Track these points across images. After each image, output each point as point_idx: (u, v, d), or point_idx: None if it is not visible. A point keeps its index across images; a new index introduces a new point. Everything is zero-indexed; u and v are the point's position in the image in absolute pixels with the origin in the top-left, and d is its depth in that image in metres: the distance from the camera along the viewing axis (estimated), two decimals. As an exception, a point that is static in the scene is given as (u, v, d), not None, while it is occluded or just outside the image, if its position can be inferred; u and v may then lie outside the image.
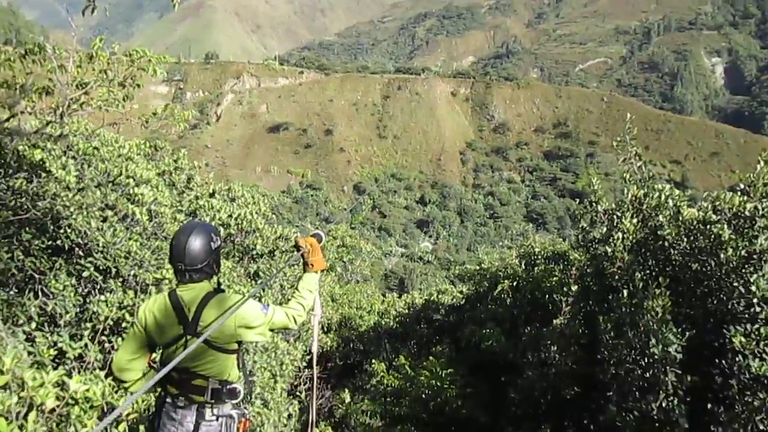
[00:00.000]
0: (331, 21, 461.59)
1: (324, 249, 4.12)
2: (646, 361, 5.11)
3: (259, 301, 3.54)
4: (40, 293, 5.70)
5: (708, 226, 5.57)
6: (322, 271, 4.00)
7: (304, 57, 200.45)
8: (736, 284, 5.13)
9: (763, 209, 5.36)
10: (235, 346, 3.51)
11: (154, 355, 3.62)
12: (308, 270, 3.89)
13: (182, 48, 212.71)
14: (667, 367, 4.98)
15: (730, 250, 5.25)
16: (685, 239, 5.84)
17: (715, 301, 5.41)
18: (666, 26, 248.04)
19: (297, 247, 3.93)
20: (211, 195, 9.57)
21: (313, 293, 3.84)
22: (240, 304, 3.20)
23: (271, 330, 3.60)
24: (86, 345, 5.64)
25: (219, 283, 3.61)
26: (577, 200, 7.70)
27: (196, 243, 3.39)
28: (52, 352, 5.38)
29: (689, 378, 4.95)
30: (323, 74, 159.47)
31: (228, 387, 3.49)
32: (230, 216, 8.31)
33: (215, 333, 3.29)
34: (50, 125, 5.18)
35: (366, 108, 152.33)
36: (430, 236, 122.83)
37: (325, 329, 13.02)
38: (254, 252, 8.53)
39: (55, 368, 5.34)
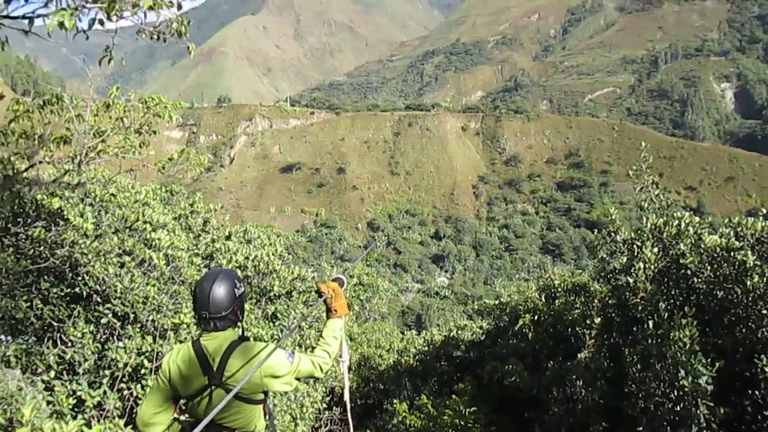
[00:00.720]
0: (340, 62, 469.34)
1: (345, 291, 4.08)
2: (675, 393, 4.97)
3: (283, 348, 3.48)
4: (58, 341, 5.69)
5: (731, 253, 5.47)
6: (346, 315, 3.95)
7: (314, 98, 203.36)
8: (764, 312, 5.01)
9: (787, 234, 5.27)
10: (262, 396, 3.44)
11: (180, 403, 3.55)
12: (332, 316, 3.84)
13: (195, 93, 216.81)
14: (699, 400, 4.83)
15: (756, 277, 5.13)
16: (709, 267, 5.73)
17: (743, 330, 5.28)
18: (673, 54, 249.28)
19: (319, 293, 3.88)
20: (227, 237, 9.60)
21: (338, 339, 3.78)
22: (269, 356, 3.13)
23: (297, 378, 3.53)
24: (105, 392, 5.60)
25: (243, 331, 3.55)
26: (594, 230, 7.61)
27: (220, 290, 3.34)
28: (71, 401, 5.35)
29: (722, 410, 4.79)
30: (334, 114, 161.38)
31: None
32: (247, 258, 8.30)
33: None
34: (68, 174, 5.23)
35: (377, 145, 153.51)
36: (446, 271, 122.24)
37: (345, 369, 12.85)
38: (271, 293, 8.49)
39: (74, 417, 5.30)
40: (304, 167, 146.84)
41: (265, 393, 3.46)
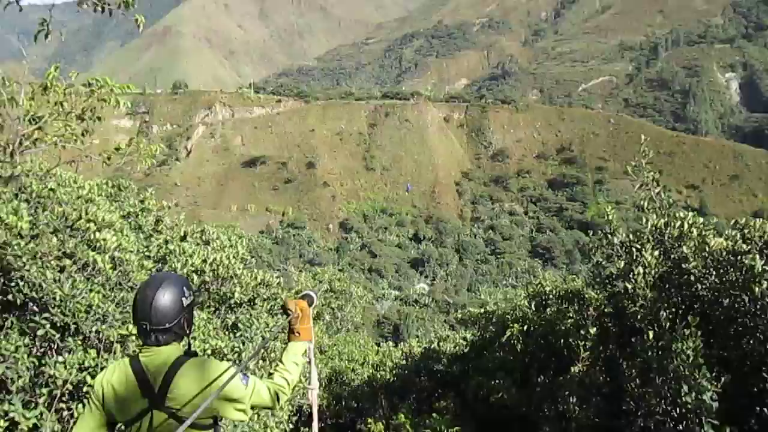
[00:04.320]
0: (310, 45, 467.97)
1: (314, 308, 3.97)
2: (678, 411, 5.01)
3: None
4: (-12, 356, 5.55)
5: (738, 258, 5.53)
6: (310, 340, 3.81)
7: (281, 84, 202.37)
8: (774, 321, 5.07)
9: (798, 236, 5.34)
10: (211, 422, 3.31)
11: None
12: (294, 339, 3.73)
13: (147, 78, 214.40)
14: (703, 418, 4.88)
15: (765, 284, 5.19)
16: (714, 272, 5.79)
17: (751, 341, 5.33)
18: (674, 40, 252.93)
19: (285, 311, 3.77)
20: (183, 238, 9.48)
21: (299, 366, 3.67)
22: (228, 382, 3.03)
23: (252, 408, 3.40)
24: (42, 413, 5.48)
25: (190, 346, 3.44)
26: (589, 232, 7.67)
27: (164, 298, 3.22)
28: (3, 423, 5.22)
29: (728, 429, 4.84)
30: (303, 102, 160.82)
31: None
32: (204, 261, 8.21)
33: (188, 407, 3.14)
34: (0, 165, 5.11)
35: (351, 138, 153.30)
36: (426, 276, 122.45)
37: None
38: (232, 301, 8.41)
39: (6, 442, 5.17)
40: (270, 161, 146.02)
41: (215, 420, 3.34)
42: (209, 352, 6.94)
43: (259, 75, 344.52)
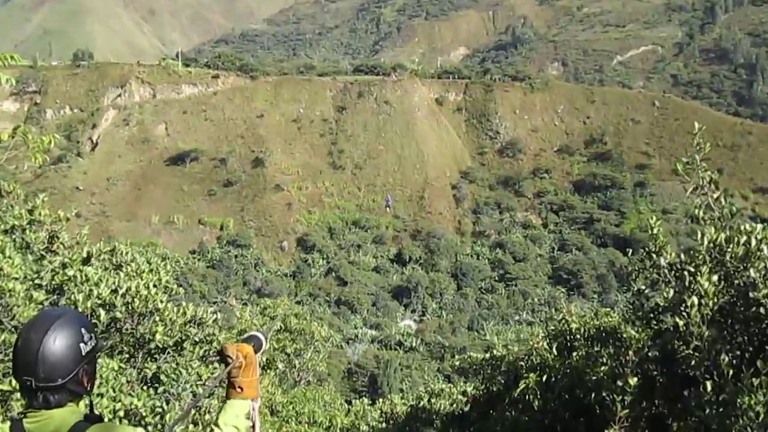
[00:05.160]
0: (259, 2, 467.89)
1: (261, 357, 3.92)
2: (745, 486, 5.05)
3: None
4: None
5: (822, 284, 5.59)
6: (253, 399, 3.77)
7: (219, 54, 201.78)
8: None
9: None
10: None
11: None
12: (234, 395, 3.70)
13: (40, 45, 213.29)
14: (777, 495, 4.92)
15: None
16: (790, 303, 5.84)
17: (839, 393, 5.39)
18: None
19: (224, 358, 3.74)
20: (86, 261, 9.42)
21: (243, 430, 3.63)
22: None
23: None
24: None
25: (92, 407, 3.39)
26: (629, 250, 7.74)
27: (56, 345, 3.15)
28: None
29: None
30: (248, 78, 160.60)
31: None
32: (115, 291, 8.16)
33: None
34: None
35: (312, 126, 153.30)
36: (414, 311, 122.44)
37: (262, 457, 12.75)
38: (152, 345, 8.37)
39: None
40: (204, 157, 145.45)
41: None
42: (121, 414, 6.89)
43: (189, 42, 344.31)
